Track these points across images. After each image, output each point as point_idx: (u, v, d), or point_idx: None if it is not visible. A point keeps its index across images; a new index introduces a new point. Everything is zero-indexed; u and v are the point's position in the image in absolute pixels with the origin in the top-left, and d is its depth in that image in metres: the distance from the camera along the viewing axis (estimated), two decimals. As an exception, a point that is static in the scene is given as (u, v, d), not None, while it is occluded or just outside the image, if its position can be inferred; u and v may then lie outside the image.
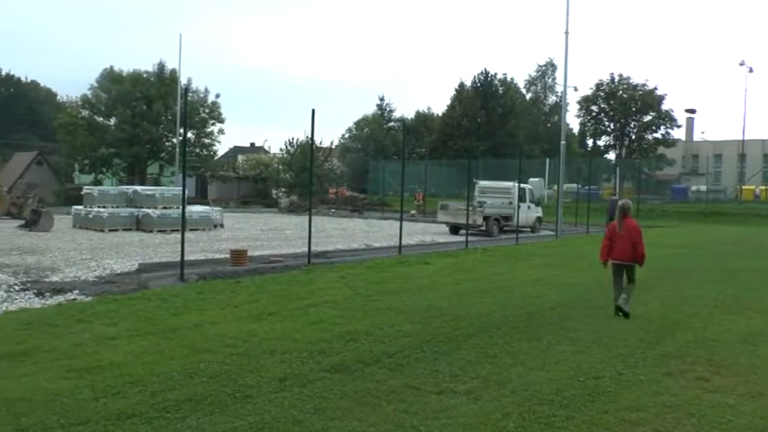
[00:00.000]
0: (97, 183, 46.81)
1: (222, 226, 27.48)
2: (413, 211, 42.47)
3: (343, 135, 65.20)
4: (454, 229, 28.13)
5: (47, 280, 12.46)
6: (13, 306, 10.10)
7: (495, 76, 66.08)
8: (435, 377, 6.52)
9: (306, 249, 15.93)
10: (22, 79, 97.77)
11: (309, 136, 49.67)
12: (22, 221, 25.81)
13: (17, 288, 11.44)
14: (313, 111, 15.53)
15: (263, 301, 10.29)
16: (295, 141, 53.01)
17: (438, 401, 5.82)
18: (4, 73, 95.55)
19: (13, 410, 5.28)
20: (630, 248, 10.04)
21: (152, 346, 7.33)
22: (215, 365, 6.60)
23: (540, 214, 31.87)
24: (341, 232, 27.18)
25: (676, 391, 6.34)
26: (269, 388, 5.98)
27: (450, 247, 21.52)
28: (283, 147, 55.11)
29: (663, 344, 8.33)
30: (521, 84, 72.65)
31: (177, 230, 23.34)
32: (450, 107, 65.61)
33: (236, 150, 77.98)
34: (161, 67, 51.87)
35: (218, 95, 53.04)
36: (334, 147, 58.84)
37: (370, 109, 79.09)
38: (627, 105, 61.08)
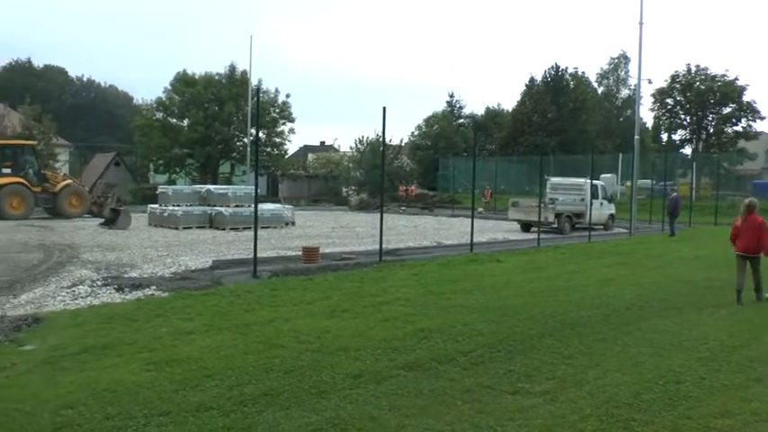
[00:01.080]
0: (171, 182, 48.08)
1: (293, 224, 27.79)
2: (480, 209, 42.11)
3: (413, 132, 64.97)
4: (525, 227, 27.76)
5: (126, 276, 12.82)
6: (96, 300, 10.45)
7: (566, 71, 64.82)
8: (510, 377, 6.42)
9: (377, 247, 15.96)
10: (102, 84, 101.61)
11: (379, 134, 49.57)
12: (102, 220, 26.69)
13: (99, 283, 11.81)
14: (384, 108, 15.55)
15: (336, 298, 10.35)
16: (365, 139, 53.31)
17: (513, 402, 5.72)
18: (85, 78, 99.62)
19: (99, 400, 5.48)
20: (755, 241, 11.08)
21: (227, 340, 7.46)
22: (290, 361, 6.66)
23: (613, 211, 31.13)
24: (411, 230, 27.15)
25: (767, 398, 6.05)
26: (344, 384, 6.00)
27: (522, 244, 21.25)
28: (353, 145, 55.50)
29: (749, 347, 7.99)
30: (592, 78, 71.07)
31: (249, 228, 23.70)
32: (521, 103, 64.65)
33: (307, 149, 78.83)
34: (232, 69, 52.88)
35: (288, 95, 53.77)
36: (403, 144, 58.83)
37: (440, 106, 78.57)
38: (704, 97, 58.78)
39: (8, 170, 29.36)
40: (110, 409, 5.28)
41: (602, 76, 71.91)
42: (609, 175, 44.70)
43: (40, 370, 6.43)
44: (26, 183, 29.42)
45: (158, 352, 6.96)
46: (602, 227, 29.58)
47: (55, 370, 6.41)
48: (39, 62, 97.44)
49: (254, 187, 15.70)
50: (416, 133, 64.72)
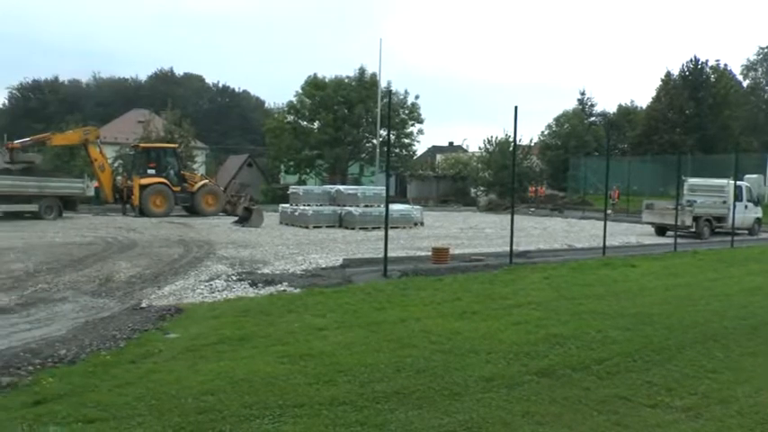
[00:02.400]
0: (301, 183, 49.46)
1: (422, 224, 27.87)
2: (609, 211, 40.49)
3: (543, 132, 63.50)
4: (660, 230, 26.51)
5: (259, 272, 13.26)
6: (231, 294, 10.88)
7: (706, 64, 61.12)
8: (648, 389, 6.11)
9: (506, 249, 15.70)
10: (236, 90, 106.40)
11: (508, 134, 49.14)
12: (236, 218, 27.86)
13: (234, 278, 12.30)
14: (516, 108, 15.29)
15: (466, 299, 10.26)
16: (494, 139, 52.76)
17: (653, 415, 5.44)
18: (220, 85, 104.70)
19: (237, 388, 5.69)
20: None
21: (359, 338, 7.54)
22: (421, 361, 6.64)
23: (760, 215, 29.14)
24: (541, 232, 26.59)
25: None
26: (476, 387, 5.91)
27: (657, 249, 20.31)
28: (482, 145, 55.05)
29: None
30: (736, 70, 66.93)
31: (378, 228, 24.04)
32: (656, 99, 61.57)
33: (435, 149, 78.93)
34: (362, 71, 53.76)
35: (417, 97, 54.20)
36: (533, 144, 57.72)
37: (571, 104, 76.46)
38: None
39: (152, 171, 31.28)
40: (247, 398, 5.47)
41: (749, 68, 67.58)
42: (755, 175, 41.89)
43: (182, 357, 6.76)
44: (167, 183, 31.22)
45: (292, 346, 7.13)
46: (746, 231, 27.83)
47: (196, 358, 6.72)
48: (179, 71, 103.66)
49: (383, 188, 15.85)
50: (546, 133, 63.19)
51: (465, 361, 6.71)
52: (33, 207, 26.70)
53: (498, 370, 6.45)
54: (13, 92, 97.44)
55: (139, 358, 6.76)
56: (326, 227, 25.34)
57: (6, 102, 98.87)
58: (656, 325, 8.84)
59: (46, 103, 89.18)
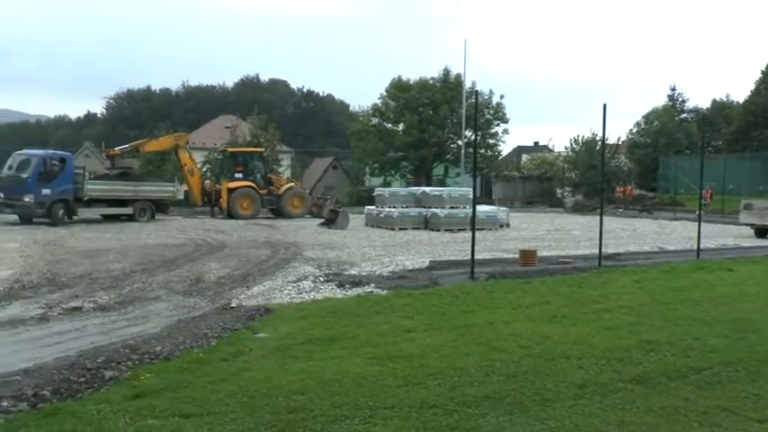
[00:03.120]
0: (386, 184, 49.71)
1: (508, 225, 27.55)
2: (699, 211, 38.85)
3: (631, 130, 61.41)
4: (760, 232, 25.25)
5: (346, 273, 13.37)
6: (318, 295, 11.03)
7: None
8: (755, 402, 5.76)
9: (595, 251, 15.28)
10: (320, 94, 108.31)
11: (595, 133, 47.97)
12: (322, 220, 28.24)
13: (321, 279, 12.45)
14: (605, 105, 14.85)
15: (555, 302, 10.03)
16: (580, 139, 51.63)
17: (761, 431, 5.14)
18: (305, 90, 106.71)
19: (327, 388, 5.72)
20: None
21: (447, 340, 7.47)
22: (511, 365, 6.52)
23: None
24: (630, 233, 25.79)
25: None
26: (568, 394, 5.75)
27: (756, 252, 19.34)
28: (568, 145, 53.97)
29: None
30: None
31: (464, 229, 23.89)
32: (754, 93, 58.21)
33: (520, 150, 77.88)
34: (446, 72, 53.59)
35: (502, 96, 53.59)
36: (621, 143, 56.06)
37: (661, 100, 73.73)
38: None
39: (239, 175, 32.10)
40: (337, 398, 5.49)
41: None
42: None
43: (272, 356, 6.87)
44: (254, 186, 31.97)
45: (381, 347, 7.13)
46: None
47: (285, 357, 6.81)
48: (265, 77, 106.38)
49: (468, 189, 15.74)
50: (635, 131, 61.06)
51: (556, 366, 6.54)
52: (128, 210, 27.86)
53: (590, 376, 6.25)
54: (110, 102, 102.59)
55: (231, 356, 6.92)
56: (412, 228, 25.34)
57: (104, 111, 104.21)
58: (760, 333, 8.37)
59: (139, 112, 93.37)
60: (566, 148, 55.25)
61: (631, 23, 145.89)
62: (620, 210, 42.89)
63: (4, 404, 5.53)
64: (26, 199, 24.68)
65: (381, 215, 26.57)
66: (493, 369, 6.36)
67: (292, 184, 34.84)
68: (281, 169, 46.80)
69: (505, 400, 5.53)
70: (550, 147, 69.02)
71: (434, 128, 51.25)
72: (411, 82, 53.50)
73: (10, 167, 26.52)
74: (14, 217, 25.72)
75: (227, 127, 51.21)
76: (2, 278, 12.09)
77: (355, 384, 5.82)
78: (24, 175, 25.15)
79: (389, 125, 54.50)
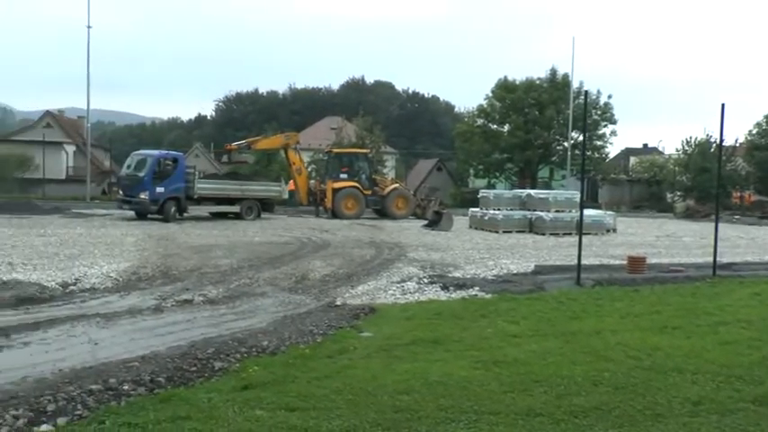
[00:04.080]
0: (490, 186, 49.31)
1: (614, 230, 26.73)
2: None
3: (750, 131, 57.87)
4: None
5: (450, 275, 13.31)
6: (422, 297, 11.05)
7: None
8: None
9: (709, 259, 14.61)
10: (425, 95, 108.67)
11: (709, 134, 45.83)
12: (425, 221, 28.25)
13: (425, 281, 12.45)
14: (723, 105, 14.08)
15: (666, 313, 9.64)
16: (693, 140, 49.48)
17: None
18: (410, 91, 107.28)
19: (432, 390, 5.71)
20: None
21: (553, 347, 7.32)
22: (619, 376, 6.30)
23: None
24: (748, 242, 24.48)
25: None
26: (682, 410, 5.48)
27: None
28: (679, 147, 51.82)
29: None
30: None
31: (569, 234, 23.37)
32: None
33: (628, 152, 75.34)
34: (553, 72, 52.70)
35: (610, 96, 52.18)
36: (738, 145, 53.13)
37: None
38: None
39: (344, 175, 32.55)
40: (442, 400, 5.46)
41: None
42: None
43: (377, 356, 6.93)
44: (359, 186, 32.31)
45: (485, 351, 7.06)
46: None
47: (390, 357, 6.85)
48: (370, 78, 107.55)
49: (574, 192, 15.37)
50: (754, 132, 57.57)
51: (668, 380, 6.27)
52: (235, 208, 28.73)
53: (706, 393, 5.95)
54: (219, 104, 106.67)
55: (335, 354, 7.02)
56: (516, 232, 24.98)
57: (213, 113, 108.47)
58: None
59: (246, 113, 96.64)
60: (677, 150, 53.06)
61: (751, 19, 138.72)
62: (737, 216, 40.73)
63: (125, 387, 5.85)
64: (142, 196, 25.91)
65: (485, 217, 26.33)
66: (601, 379, 6.17)
67: (397, 185, 35.03)
68: (385, 170, 47.28)
69: (614, 412, 5.35)
70: (660, 149, 66.32)
71: (540, 129, 50.46)
72: (517, 82, 52.91)
73: (128, 167, 28.00)
74: (131, 213, 27.06)
75: (332, 128, 52.19)
76: (121, 270, 12.75)
77: (460, 388, 5.79)
78: (141, 174, 26.41)
79: (495, 126, 54.07)
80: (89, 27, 43.60)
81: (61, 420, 5.04)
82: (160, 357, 6.92)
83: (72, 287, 11.13)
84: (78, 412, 5.22)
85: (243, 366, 6.53)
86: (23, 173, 46.99)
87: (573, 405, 5.45)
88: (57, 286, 11.06)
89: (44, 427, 4.92)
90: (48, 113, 63.83)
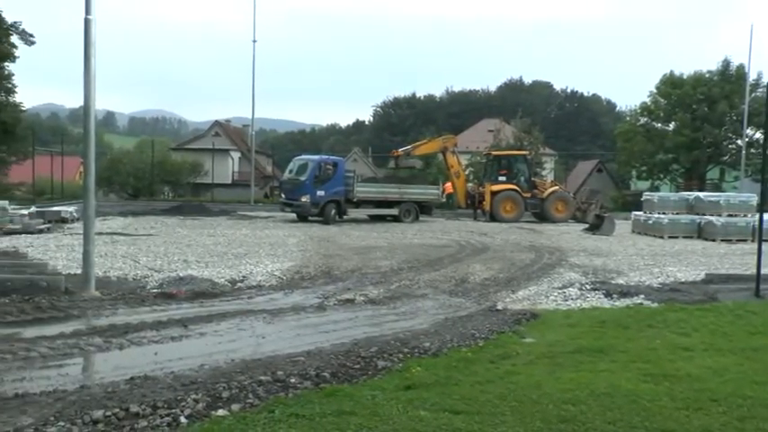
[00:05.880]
0: (654, 189, 47.10)
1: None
2: None
3: None
4: None
5: (613, 282, 12.86)
6: (585, 304, 10.78)
7: None
8: None
9: None
10: (585, 94, 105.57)
11: None
12: (586, 225, 27.44)
13: (588, 287, 12.10)
14: None
15: None
16: None
17: None
18: (569, 90, 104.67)
19: (599, 402, 5.54)
20: None
21: (731, 364, 6.85)
22: (814, 399, 5.80)
23: None
24: None
25: None
26: None
27: None
28: None
29: None
30: None
31: (743, 241, 21.94)
32: None
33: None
34: (726, 64, 49.42)
35: (799, 88, 48.20)
36: None
37: None
38: None
39: (503, 178, 32.26)
40: (609, 413, 5.28)
41: None
42: None
43: (540, 362, 6.83)
44: (518, 189, 31.89)
45: (654, 364, 6.76)
46: None
47: (554, 365, 6.73)
48: (528, 79, 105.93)
49: (750, 195, 14.36)
50: None
51: None
52: (394, 211, 29.27)
53: None
54: (377, 110, 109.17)
55: (498, 358, 7.00)
56: (683, 237, 23.68)
57: (371, 118, 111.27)
58: None
59: (404, 118, 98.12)
60: None
61: None
62: None
63: (292, 380, 6.14)
64: (303, 199, 27.02)
65: (649, 221, 25.17)
66: (790, 401, 5.71)
67: (556, 187, 34.25)
68: (544, 172, 46.41)
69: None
70: None
71: (710, 126, 47.41)
72: (684, 77, 50.06)
73: (290, 171, 29.28)
74: (293, 215, 28.28)
75: (489, 130, 51.90)
76: (285, 269, 13.39)
77: (628, 401, 5.57)
78: (302, 178, 27.56)
79: (659, 125, 51.56)
80: (254, 41, 46.21)
81: (235, 407, 5.39)
82: (324, 353, 7.19)
83: (240, 284, 11.90)
84: (250, 400, 5.56)
85: (405, 366, 6.64)
86: (195, 178, 50.60)
87: (758, 429, 5.07)
88: (226, 282, 11.88)
89: (221, 411, 5.30)
90: (216, 123, 68.55)
